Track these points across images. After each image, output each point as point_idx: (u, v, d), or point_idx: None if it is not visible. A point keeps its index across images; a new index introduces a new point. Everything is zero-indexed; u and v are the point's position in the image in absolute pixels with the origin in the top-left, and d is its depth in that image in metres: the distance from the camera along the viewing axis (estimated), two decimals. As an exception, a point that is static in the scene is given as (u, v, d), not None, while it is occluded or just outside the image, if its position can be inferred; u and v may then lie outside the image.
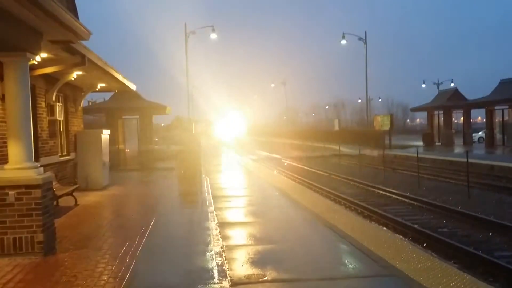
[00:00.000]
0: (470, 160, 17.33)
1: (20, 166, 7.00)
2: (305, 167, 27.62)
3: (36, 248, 6.94)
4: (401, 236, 9.32)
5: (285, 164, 30.48)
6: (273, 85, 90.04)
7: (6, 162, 7.27)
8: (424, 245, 9.76)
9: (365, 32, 43.16)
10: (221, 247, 7.31)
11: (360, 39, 43.10)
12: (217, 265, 6.38)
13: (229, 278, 5.81)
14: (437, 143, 43.27)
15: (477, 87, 61.86)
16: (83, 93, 16.62)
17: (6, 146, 7.31)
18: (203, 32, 36.38)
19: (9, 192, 6.86)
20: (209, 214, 10.30)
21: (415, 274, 5.78)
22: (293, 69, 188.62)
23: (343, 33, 42.99)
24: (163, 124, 77.06)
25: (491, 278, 7.67)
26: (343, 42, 43.35)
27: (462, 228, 11.37)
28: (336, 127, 62.09)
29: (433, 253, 8.14)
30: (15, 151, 7.04)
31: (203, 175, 18.87)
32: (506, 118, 37.10)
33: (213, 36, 35.86)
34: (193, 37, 36.13)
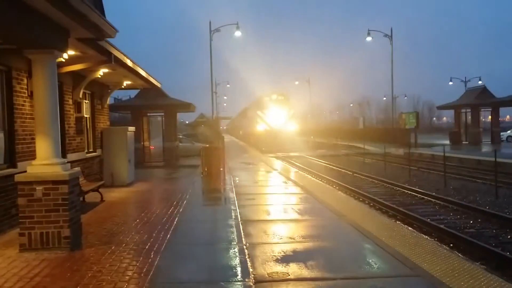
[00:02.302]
0: (498, 159, 16.97)
1: (47, 162, 7.11)
2: (328, 165, 27.45)
3: (62, 243, 7.05)
4: (427, 237, 9.18)
5: (309, 162, 30.33)
6: (297, 82, 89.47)
7: (34, 158, 7.40)
8: (451, 245, 9.61)
9: (391, 29, 42.70)
10: (244, 245, 7.32)
11: (385, 36, 42.62)
12: (240, 262, 6.39)
13: (252, 276, 5.80)
14: (464, 142, 42.51)
15: (506, 85, 60.54)
16: (109, 91, 16.81)
17: (35, 142, 7.44)
18: (231, 29, 36.38)
19: (36, 188, 6.98)
20: (232, 211, 10.32)
21: (441, 275, 5.68)
22: (318, 66, 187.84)
23: (369, 30, 42.58)
24: (187, 122, 77.63)
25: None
26: (369, 39, 42.93)
27: (489, 229, 11.15)
28: (361, 125, 61.58)
29: (460, 254, 8.00)
30: (43, 147, 7.16)
31: (227, 173, 18.92)
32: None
33: (238, 33, 35.88)
34: (224, 31, 36.31)
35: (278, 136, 40.06)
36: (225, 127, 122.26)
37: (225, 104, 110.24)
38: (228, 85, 72.04)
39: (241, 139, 61.30)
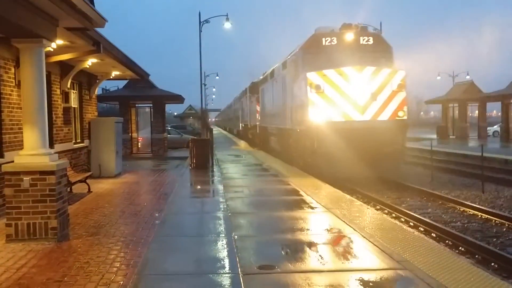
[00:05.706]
0: (484, 154, 17.13)
1: (35, 152, 7.05)
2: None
3: (49, 234, 7.01)
4: (413, 230, 9.25)
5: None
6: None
7: (22, 148, 7.34)
8: (437, 239, 9.70)
9: (380, 23, 42.71)
10: (233, 237, 7.32)
11: (375, 29, 42.65)
12: (229, 254, 6.40)
13: (240, 268, 5.81)
14: (451, 136, 42.87)
15: (493, 80, 60.99)
16: (97, 81, 16.69)
17: (22, 132, 7.37)
18: (222, 21, 36.06)
19: (24, 178, 6.92)
20: (220, 203, 10.32)
21: (428, 268, 5.73)
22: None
23: (358, 23, 42.54)
24: (176, 113, 77.29)
25: (505, 273, 7.60)
26: (358, 33, 42.90)
27: (475, 223, 11.27)
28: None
29: (446, 248, 8.08)
30: (30, 137, 7.09)
31: (216, 165, 18.90)
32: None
33: (227, 25, 35.64)
34: (214, 22, 35.91)
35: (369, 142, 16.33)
36: (213, 119, 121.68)
37: (214, 96, 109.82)
38: (217, 77, 71.65)
39: (243, 137, 41.75)
